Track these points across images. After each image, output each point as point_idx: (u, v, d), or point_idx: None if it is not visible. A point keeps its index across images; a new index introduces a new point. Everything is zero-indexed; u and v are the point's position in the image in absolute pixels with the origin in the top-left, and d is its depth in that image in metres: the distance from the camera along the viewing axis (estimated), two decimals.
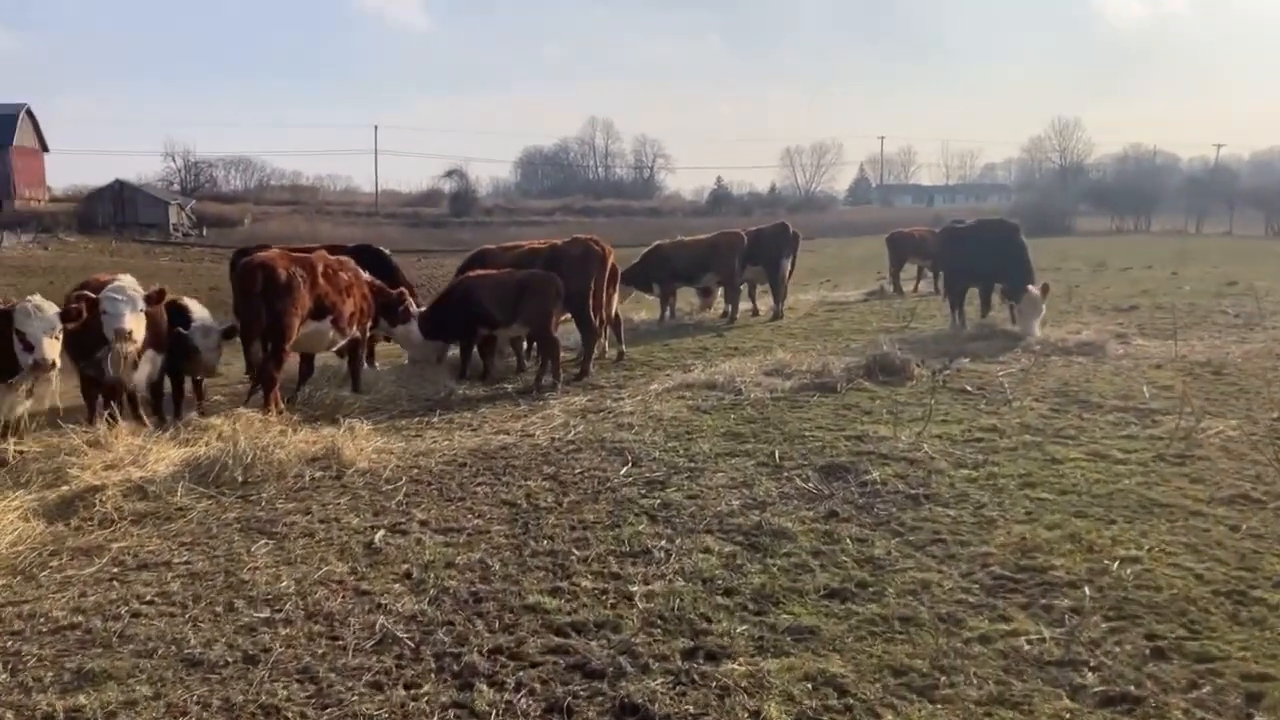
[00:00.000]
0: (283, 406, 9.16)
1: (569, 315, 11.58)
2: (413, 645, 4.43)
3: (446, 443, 8.17)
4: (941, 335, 13.96)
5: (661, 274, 16.92)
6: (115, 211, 73.83)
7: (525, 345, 12.39)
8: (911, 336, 13.66)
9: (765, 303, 17.82)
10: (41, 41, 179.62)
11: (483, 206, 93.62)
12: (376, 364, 12.10)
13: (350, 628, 4.62)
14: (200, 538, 5.94)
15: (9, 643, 4.53)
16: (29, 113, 77.14)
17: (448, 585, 5.09)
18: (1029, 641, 4.31)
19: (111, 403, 8.34)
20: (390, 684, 4.10)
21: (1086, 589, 4.81)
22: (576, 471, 7.19)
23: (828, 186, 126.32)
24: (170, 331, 8.96)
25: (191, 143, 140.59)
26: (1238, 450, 7.23)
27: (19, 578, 5.34)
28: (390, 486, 6.89)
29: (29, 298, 7.60)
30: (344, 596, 5.00)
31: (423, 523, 6.12)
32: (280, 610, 4.83)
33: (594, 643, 4.40)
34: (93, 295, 7.84)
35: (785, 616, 4.62)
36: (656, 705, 3.86)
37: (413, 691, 4.04)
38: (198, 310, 9.83)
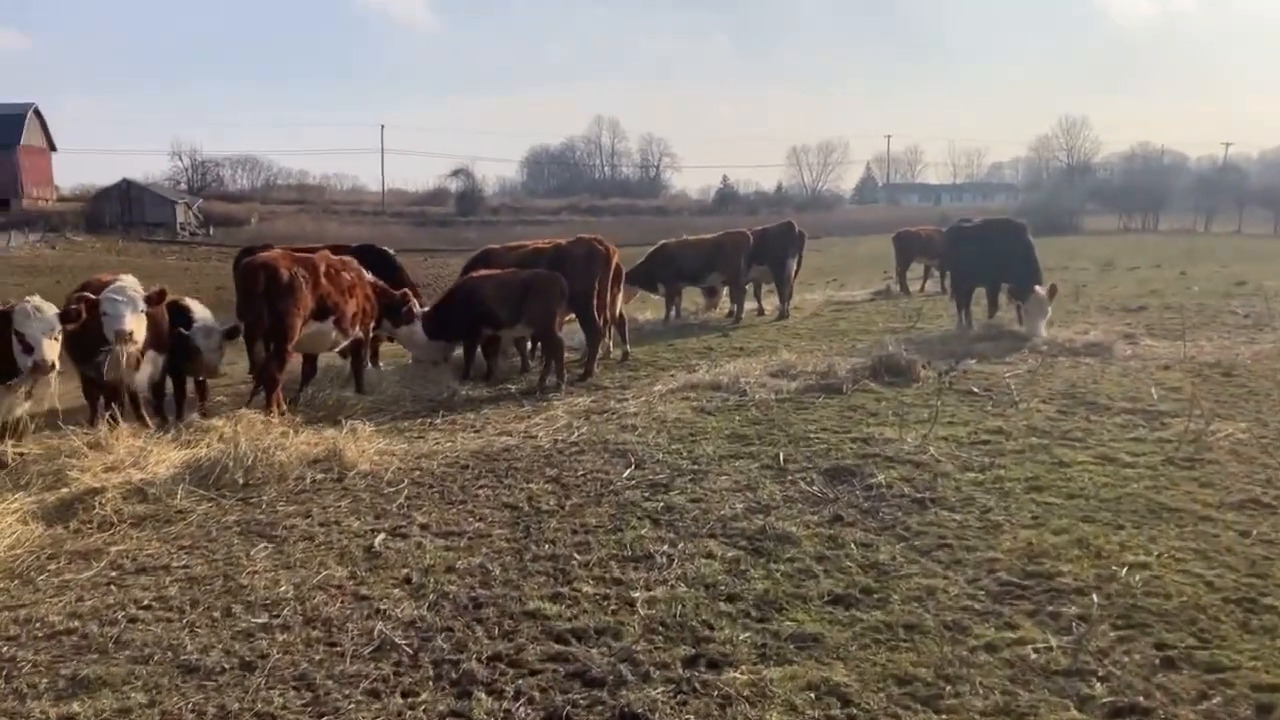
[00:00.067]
0: (285, 408, 9.14)
1: (573, 315, 11.54)
2: (411, 652, 4.38)
3: (449, 444, 8.13)
4: (948, 335, 13.88)
5: (667, 273, 16.84)
6: (122, 211, 74.18)
7: (529, 346, 12.36)
8: (918, 337, 13.57)
9: (771, 302, 17.74)
10: (49, 41, 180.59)
11: (489, 206, 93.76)
12: (380, 364, 12.07)
13: (348, 634, 4.58)
14: (199, 541, 5.91)
15: (4, 648, 4.50)
16: (36, 112, 77.34)
17: (447, 590, 5.05)
18: (1036, 650, 4.24)
19: (113, 404, 8.31)
20: (388, 691, 4.05)
21: (1094, 596, 4.74)
22: (579, 474, 7.14)
23: (834, 185, 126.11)
24: (172, 332, 8.94)
25: (198, 142, 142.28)
26: (1248, 453, 7.14)
27: (16, 582, 5.31)
28: (392, 489, 6.85)
29: (28, 299, 7.57)
30: (343, 601, 4.95)
31: (423, 526, 6.08)
32: (278, 615, 4.78)
33: (594, 650, 4.35)
34: (93, 296, 7.81)
35: (788, 623, 4.56)
36: (657, 715, 3.81)
37: (410, 699, 3.99)
38: (199, 310, 9.79)
